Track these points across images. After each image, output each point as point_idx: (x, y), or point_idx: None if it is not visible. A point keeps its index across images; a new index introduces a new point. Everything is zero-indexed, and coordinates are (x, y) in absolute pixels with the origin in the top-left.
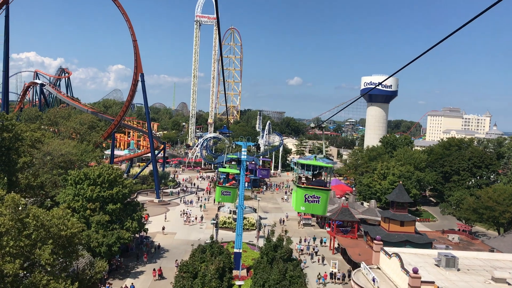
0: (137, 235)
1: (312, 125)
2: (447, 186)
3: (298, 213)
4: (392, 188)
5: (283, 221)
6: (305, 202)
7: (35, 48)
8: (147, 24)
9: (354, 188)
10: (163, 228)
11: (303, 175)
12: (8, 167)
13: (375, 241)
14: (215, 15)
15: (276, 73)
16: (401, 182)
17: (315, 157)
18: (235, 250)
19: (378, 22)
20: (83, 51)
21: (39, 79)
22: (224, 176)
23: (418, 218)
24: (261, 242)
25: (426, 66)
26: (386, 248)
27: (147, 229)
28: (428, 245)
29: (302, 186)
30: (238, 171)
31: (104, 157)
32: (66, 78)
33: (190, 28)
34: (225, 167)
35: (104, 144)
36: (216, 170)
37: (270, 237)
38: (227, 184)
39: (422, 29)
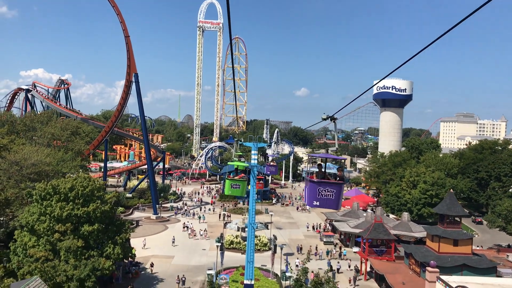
0: (125, 261)
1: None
2: (484, 194)
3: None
4: (424, 198)
5: (301, 248)
6: None
7: (43, 65)
8: (153, 39)
9: (377, 199)
10: (152, 265)
11: None
12: None
13: (429, 268)
14: (218, 21)
15: (282, 84)
16: (451, 191)
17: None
18: (246, 282)
19: (384, 26)
20: (91, 67)
21: (37, 91)
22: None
23: None
24: (277, 267)
25: (434, 74)
26: (443, 277)
27: (134, 255)
28: (491, 270)
29: None
30: (247, 165)
31: (102, 169)
32: (65, 89)
33: (194, 38)
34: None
35: (102, 156)
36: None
37: (301, 279)
38: (236, 177)
39: (432, 31)
